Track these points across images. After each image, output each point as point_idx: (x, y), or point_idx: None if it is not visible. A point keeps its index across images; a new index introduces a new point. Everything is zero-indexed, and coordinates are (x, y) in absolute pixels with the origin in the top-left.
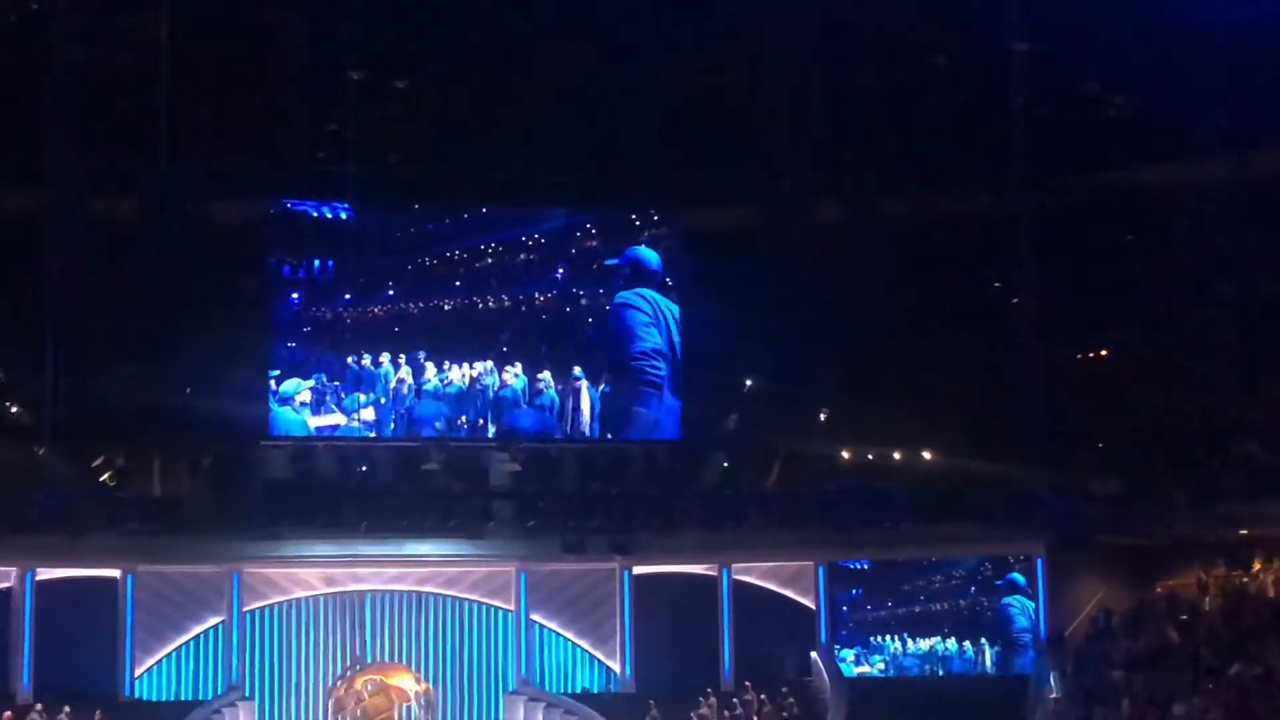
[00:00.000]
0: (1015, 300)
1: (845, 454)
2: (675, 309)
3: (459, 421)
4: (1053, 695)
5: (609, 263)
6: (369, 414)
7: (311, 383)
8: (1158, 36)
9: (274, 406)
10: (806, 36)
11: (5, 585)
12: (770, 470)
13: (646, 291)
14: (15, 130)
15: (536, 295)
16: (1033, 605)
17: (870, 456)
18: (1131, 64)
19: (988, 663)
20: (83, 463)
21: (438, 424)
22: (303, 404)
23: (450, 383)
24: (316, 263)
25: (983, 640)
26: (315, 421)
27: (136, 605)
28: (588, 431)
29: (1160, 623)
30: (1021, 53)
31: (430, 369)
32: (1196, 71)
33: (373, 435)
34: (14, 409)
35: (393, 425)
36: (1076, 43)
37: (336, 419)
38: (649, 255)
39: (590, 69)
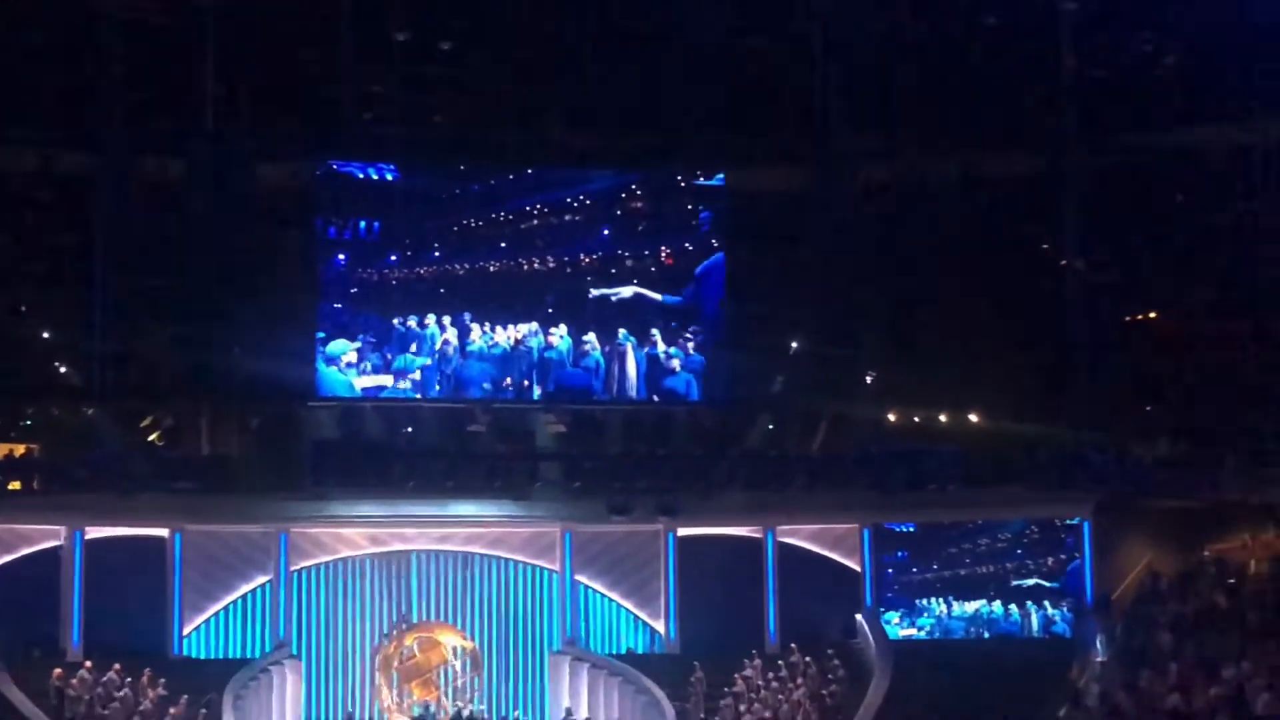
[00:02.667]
0: (1064, 262)
1: (891, 416)
2: None
3: (505, 383)
4: (1099, 658)
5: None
6: (416, 375)
7: (358, 344)
8: None
9: (321, 367)
10: None
11: (55, 544)
12: (816, 432)
13: None
14: (64, 92)
15: (582, 256)
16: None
17: (916, 419)
18: (1183, 23)
19: (1034, 625)
20: (131, 422)
21: (485, 385)
22: (349, 365)
23: (496, 344)
24: (362, 224)
25: (1029, 603)
26: (361, 382)
27: (185, 564)
28: (634, 393)
29: (1208, 586)
30: (1072, 11)
31: (476, 330)
32: (1248, 30)
33: (419, 396)
34: (63, 369)
35: (438, 386)
36: (1127, 1)
37: (383, 380)
38: None
39: (637, 28)
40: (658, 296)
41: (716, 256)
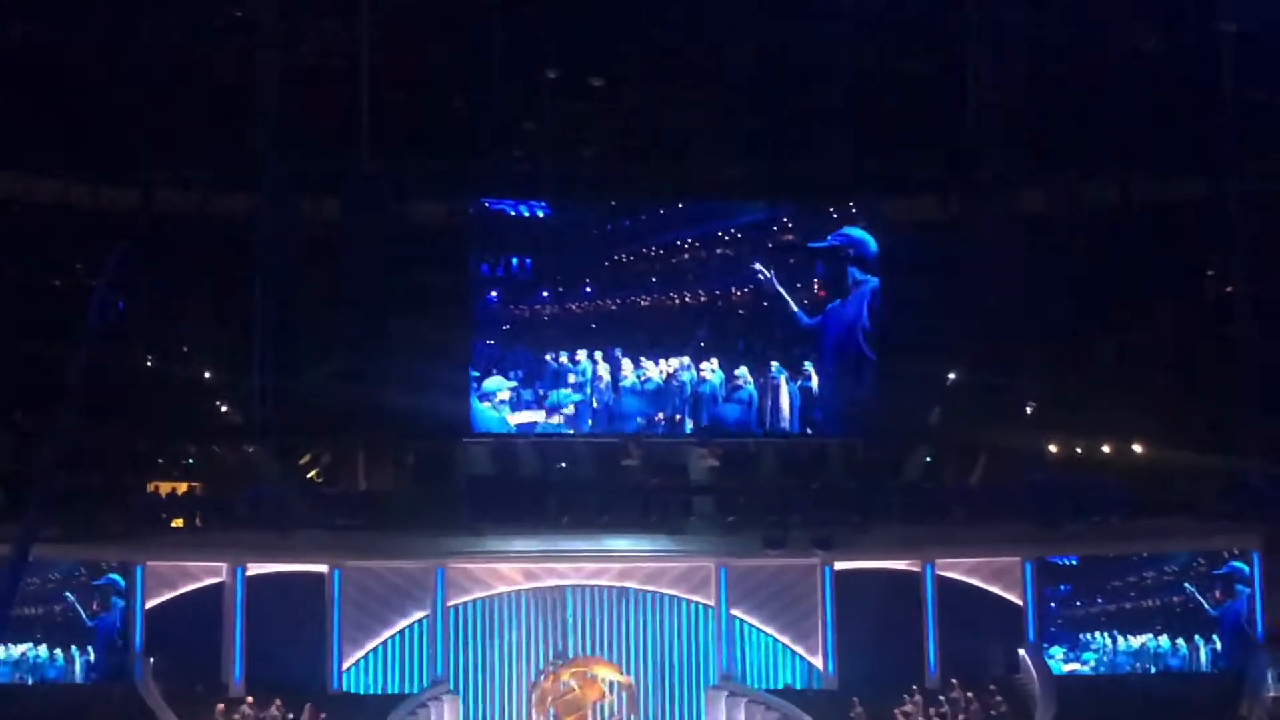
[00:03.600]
0: (1229, 288)
1: (1052, 447)
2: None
3: (657, 417)
4: (1271, 694)
5: (815, 245)
6: (569, 410)
7: (513, 383)
8: None
9: (475, 403)
10: (1006, 19)
11: (217, 580)
12: (974, 464)
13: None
14: (223, 135)
15: (734, 290)
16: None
17: (1078, 449)
18: None
19: (1202, 660)
20: (290, 460)
21: (638, 419)
22: (502, 401)
23: (648, 379)
24: (515, 261)
25: (1197, 637)
26: (515, 418)
27: (344, 600)
28: (787, 427)
29: None
30: (1231, 35)
31: (627, 365)
32: None
33: (572, 431)
34: (224, 408)
35: (591, 421)
36: None
37: (536, 415)
38: (867, 237)
39: (785, 60)
40: (792, 305)
41: (863, 287)
